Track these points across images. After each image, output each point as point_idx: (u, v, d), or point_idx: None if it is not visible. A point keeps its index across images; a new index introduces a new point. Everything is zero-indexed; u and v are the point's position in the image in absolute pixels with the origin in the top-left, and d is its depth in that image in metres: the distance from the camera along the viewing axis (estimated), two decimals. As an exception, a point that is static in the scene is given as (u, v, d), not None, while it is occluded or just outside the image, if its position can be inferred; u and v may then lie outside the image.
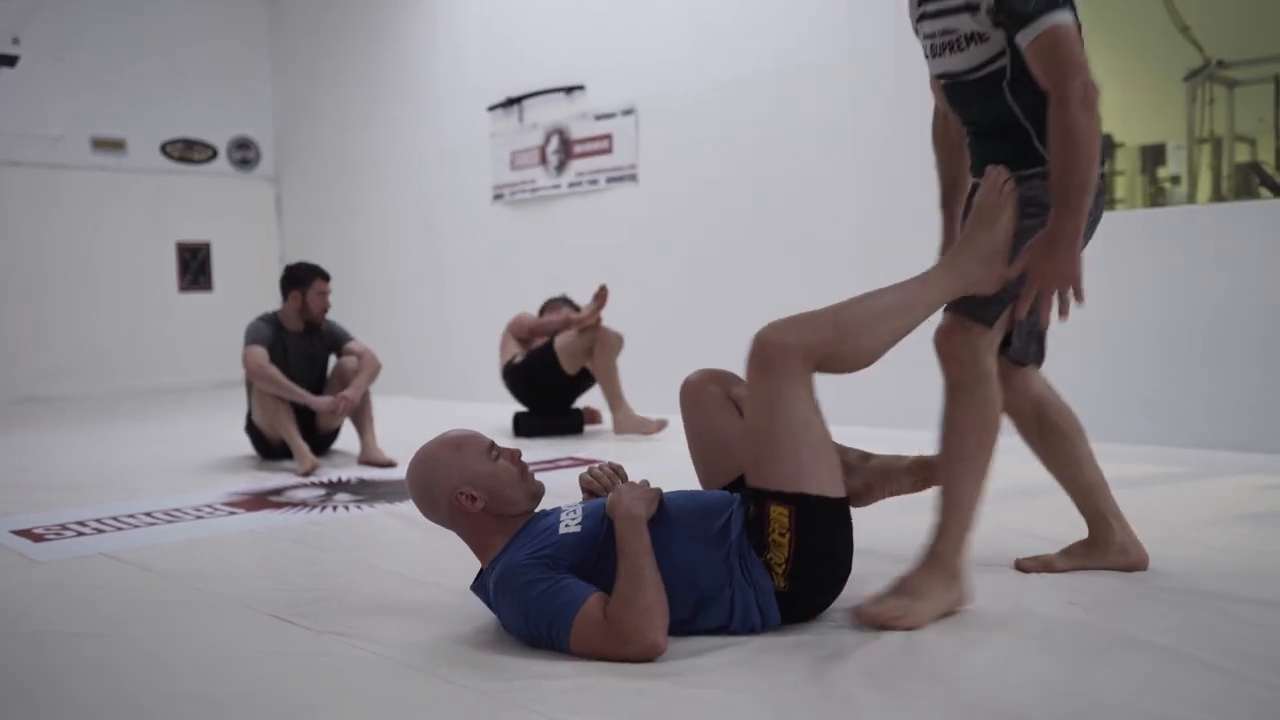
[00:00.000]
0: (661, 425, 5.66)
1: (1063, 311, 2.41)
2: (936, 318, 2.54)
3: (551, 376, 5.90)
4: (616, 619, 2.18)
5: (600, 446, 5.54)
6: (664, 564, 2.28)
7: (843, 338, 2.34)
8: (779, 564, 2.30)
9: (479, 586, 2.43)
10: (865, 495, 2.66)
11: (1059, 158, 2.32)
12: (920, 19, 2.60)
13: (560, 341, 5.84)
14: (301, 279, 5.30)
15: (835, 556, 2.35)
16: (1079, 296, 2.41)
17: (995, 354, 2.49)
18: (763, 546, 2.31)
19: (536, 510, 2.47)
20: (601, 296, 5.77)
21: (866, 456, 2.70)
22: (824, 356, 2.32)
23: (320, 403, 5.11)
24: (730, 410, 2.61)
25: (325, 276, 5.36)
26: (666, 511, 2.38)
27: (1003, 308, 2.48)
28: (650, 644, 2.17)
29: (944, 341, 2.48)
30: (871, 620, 2.33)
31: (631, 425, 5.76)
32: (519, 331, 6.15)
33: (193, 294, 10.06)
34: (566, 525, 2.37)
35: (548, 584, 2.24)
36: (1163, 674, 2.06)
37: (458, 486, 2.37)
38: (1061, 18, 2.32)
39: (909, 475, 2.64)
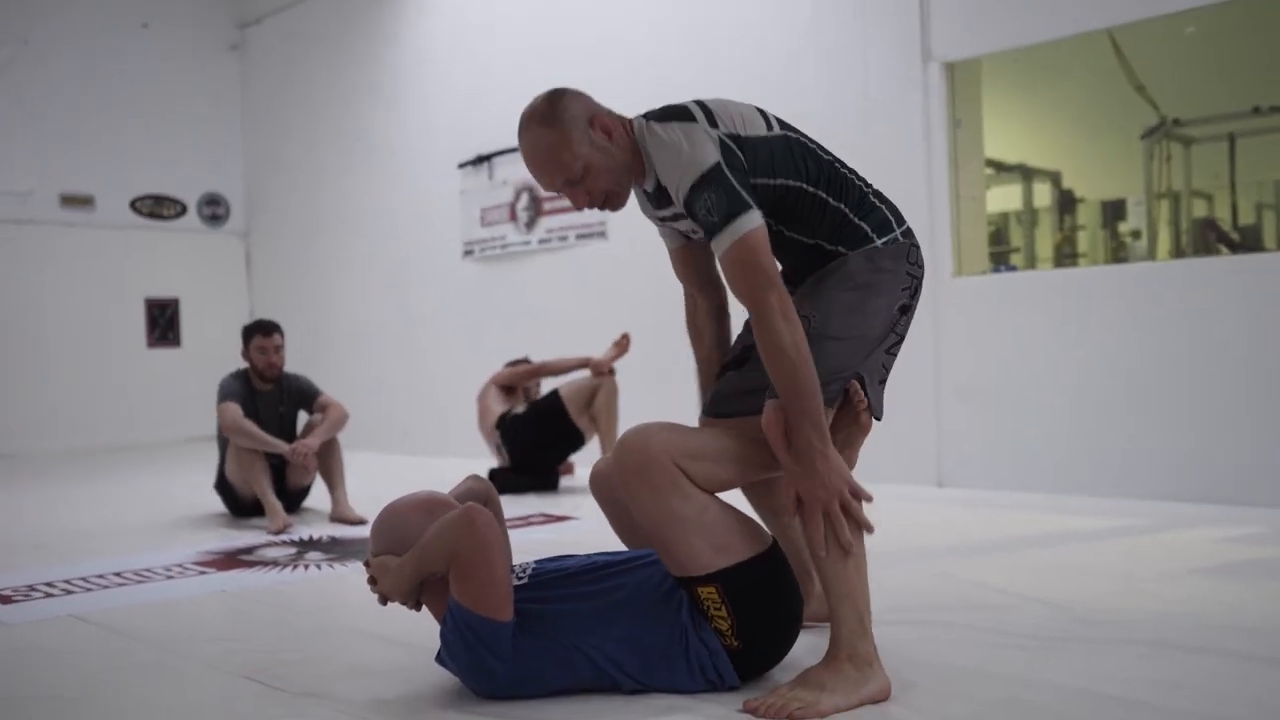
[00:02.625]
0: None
1: (838, 531, 2.23)
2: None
3: (556, 425, 5.91)
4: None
5: (574, 502, 5.54)
6: (611, 614, 2.33)
7: (695, 460, 2.30)
8: (726, 631, 2.32)
9: (440, 658, 2.44)
10: None
11: (776, 373, 2.23)
12: (661, 220, 2.63)
13: (567, 390, 5.89)
14: (244, 336, 5.31)
15: (779, 607, 2.37)
16: (859, 495, 2.26)
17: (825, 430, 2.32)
18: (707, 618, 2.33)
19: None
20: (623, 344, 5.89)
21: None
22: (682, 467, 2.29)
23: (282, 447, 5.08)
24: None
25: (267, 331, 5.27)
26: (615, 565, 2.44)
27: (840, 388, 2.39)
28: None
29: (769, 426, 2.31)
30: (765, 714, 2.18)
31: None
32: (505, 381, 6.14)
33: (161, 350, 10.02)
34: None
35: None
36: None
37: None
38: (744, 225, 2.25)
39: None
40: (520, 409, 6.02)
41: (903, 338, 2.54)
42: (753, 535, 2.36)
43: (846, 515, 2.24)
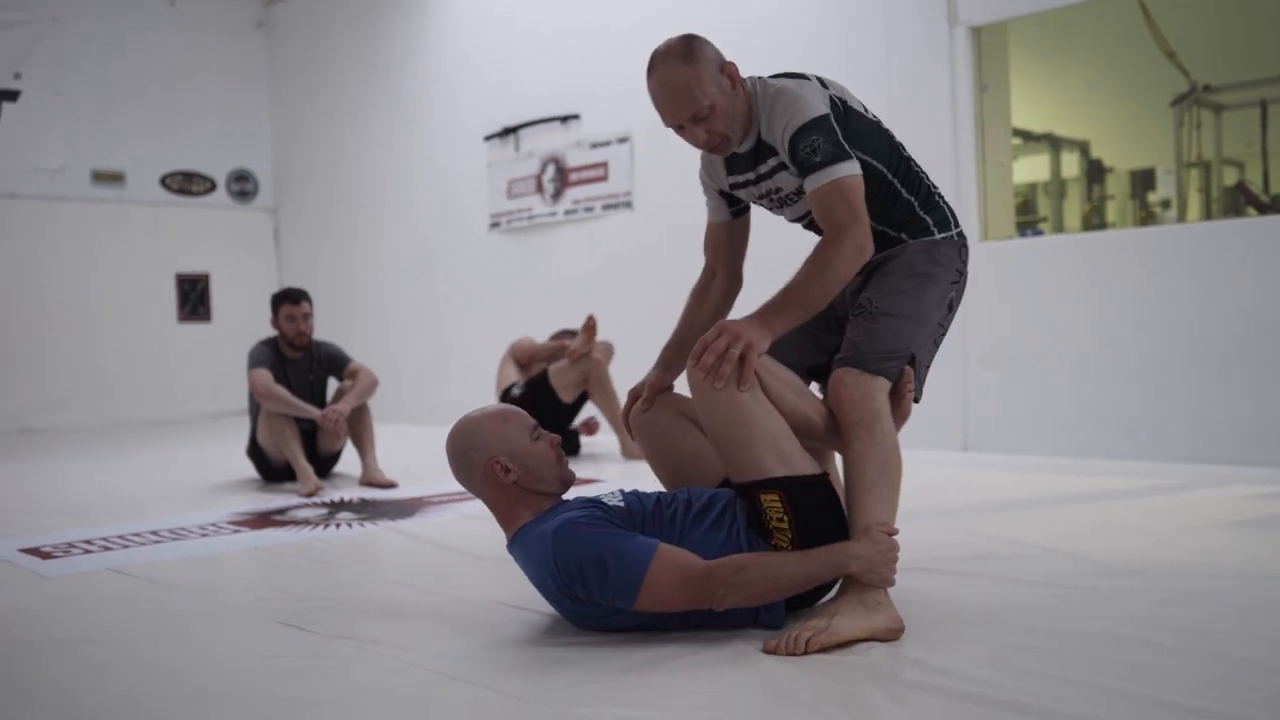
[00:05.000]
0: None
1: (716, 368, 2.35)
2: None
3: (549, 406, 5.96)
4: (722, 582, 2.26)
5: (598, 469, 5.59)
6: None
7: (770, 374, 2.46)
8: (787, 546, 2.37)
9: (511, 546, 2.50)
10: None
11: (803, 280, 2.42)
12: (733, 187, 2.72)
13: (554, 372, 5.92)
14: (273, 305, 5.36)
15: (836, 531, 2.41)
16: (745, 365, 2.36)
17: (887, 398, 2.52)
18: (766, 534, 2.38)
19: (564, 497, 2.54)
20: (590, 327, 5.84)
21: None
22: (759, 373, 2.42)
23: (314, 412, 5.15)
24: (688, 427, 2.70)
25: (295, 299, 5.31)
26: (666, 504, 2.49)
27: (900, 366, 2.55)
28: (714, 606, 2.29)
29: (837, 387, 2.50)
30: (783, 649, 2.23)
31: (639, 450, 5.82)
32: (520, 355, 6.22)
33: (192, 325, 10.13)
34: (610, 501, 2.47)
35: (619, 533, 2.33)
36: (1152, 666, 2.12)
37: (494, 455, 2.46)
38: (846, 169, 2.43)
39: None
40: (519, 389, 6.04)
41: (946, 330, 2.71)
42: (810, 459, 2.45)
43: (740, 364, 2.35)
